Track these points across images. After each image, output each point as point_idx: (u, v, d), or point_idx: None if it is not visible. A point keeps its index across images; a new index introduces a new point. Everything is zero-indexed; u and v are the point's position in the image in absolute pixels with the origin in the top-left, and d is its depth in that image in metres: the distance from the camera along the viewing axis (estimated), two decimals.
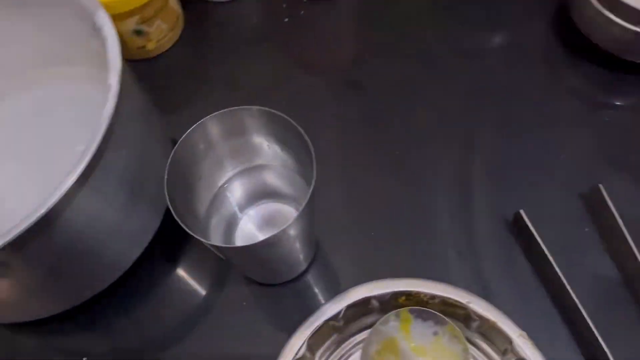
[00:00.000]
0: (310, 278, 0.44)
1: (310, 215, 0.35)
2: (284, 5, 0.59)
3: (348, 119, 0.51)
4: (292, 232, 0.33)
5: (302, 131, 0.34)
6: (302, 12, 0.58)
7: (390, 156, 0.49)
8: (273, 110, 0.35)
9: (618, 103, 0.49)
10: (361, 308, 0.40)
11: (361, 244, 0.45)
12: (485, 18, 0.55)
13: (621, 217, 0.41)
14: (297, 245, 0.38)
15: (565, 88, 0.50)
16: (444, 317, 0.37)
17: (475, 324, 0.39)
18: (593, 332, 0.38)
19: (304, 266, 0.43)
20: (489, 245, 0.44)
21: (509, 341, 0.37)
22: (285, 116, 0.35)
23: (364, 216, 0.46)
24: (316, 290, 0.44)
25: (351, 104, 0.52)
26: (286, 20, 0.58)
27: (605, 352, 0.37)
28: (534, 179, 0.46)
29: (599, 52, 0.50)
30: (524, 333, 0.37)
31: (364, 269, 0.43)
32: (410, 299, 0.40)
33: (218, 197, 0.42)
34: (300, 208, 0.32)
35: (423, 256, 0.44)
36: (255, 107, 0.36)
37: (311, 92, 0.53)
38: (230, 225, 0.43)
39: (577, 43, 0.51)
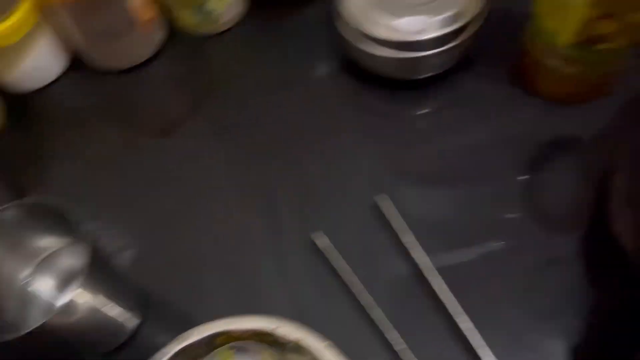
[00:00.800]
0: (142, 339, 0.46)
1: (99, 285, 0.37)
2: (93, 84, 0.63)
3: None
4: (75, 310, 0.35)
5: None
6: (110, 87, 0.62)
7: (195, 204, 0.53)
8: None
9: (393, 120, 0.56)
10: (187, 358, 0.42)
11: (185, 289, 0.48)
12: (283, 56, 0.62)
13: (405, 219, 0.47)
14: (102, 314, 0.39)
15: (352, 110, 0.56)
16: (260, 345, 0.40)
17: (289, 345, 0.42)
18: (390, 326, 0.43)
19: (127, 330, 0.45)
20: (299, 268, 0.48)
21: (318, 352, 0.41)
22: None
23: (184, 262, 0.50)
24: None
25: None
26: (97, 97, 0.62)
27: (403, 344, 0.42)
28: (331, 197, 0.51)
29: (375, 76, 0.56)
30: (329, 343, 0.41)
31: (192, 315, 0.46)
32: (230, 336, 0.42)
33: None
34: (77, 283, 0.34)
35: (247, 289, 0.48)
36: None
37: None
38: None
39: (359, 71, 0.58)
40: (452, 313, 0.43)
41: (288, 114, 0.58)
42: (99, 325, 0.41)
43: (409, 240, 0.46)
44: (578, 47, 0.46)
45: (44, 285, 0.45)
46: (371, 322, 0.44)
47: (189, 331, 0.41)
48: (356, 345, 0.41)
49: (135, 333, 0.46)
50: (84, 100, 0.64)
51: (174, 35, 0.66)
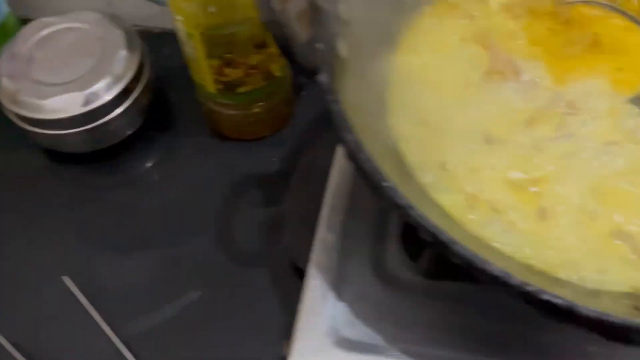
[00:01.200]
0: None
1: None
2: None
3: None
4: None
5: None
6: None
7: None
8: None
9: (86, 193, 0.56)
10: None
11: None
12: None
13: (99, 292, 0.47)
14: None
15: (45, 189, 0.56)
16: None
17: None
18: None
19: None
20: None
21: None
22: None
23: None
24: None
25: None
26: None
27: None
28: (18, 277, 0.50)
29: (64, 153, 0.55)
30: None
31: None
32: None
33: None
34: None
35: None
36: None
37: None
38: None
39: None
40: None
41: None
42: None
43: (98, 316, 0.46)
44: (223, 93, 0.49)
45: None
46: None
47: None
48: None
49: None
50: None
51: None
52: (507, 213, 0.31)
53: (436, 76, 0.36)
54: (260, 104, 0.51)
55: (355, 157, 0.26)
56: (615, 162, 0.33)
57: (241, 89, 0.48)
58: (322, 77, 0.28)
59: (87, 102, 0.50)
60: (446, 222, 0.30)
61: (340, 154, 0.42)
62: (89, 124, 0.51)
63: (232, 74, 0.47)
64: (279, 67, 0.49)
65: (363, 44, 0.32)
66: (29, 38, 0.53)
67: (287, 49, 0.27)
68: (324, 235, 0.38)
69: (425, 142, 0.33)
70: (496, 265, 0.23)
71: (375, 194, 0.26)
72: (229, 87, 0.48)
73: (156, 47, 0.59)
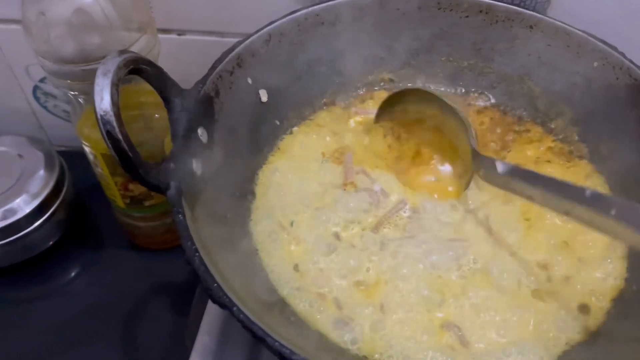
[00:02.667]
0: None
1: None
2: None
3: None
4: None
5: None
6: None
7: None
8: None
9: None
10: None
11: None
12: None
13: None
14: None
15: None
16: None
17: None
18: None
19: None
20: None
21: None
22: None
23: None
24: None
25: None
26: None
27: None
28: None
29: None
30: None
31: None
32: None
33: None
34: None
35: None
36: None
37: None
38: None
39: None
40: None
41: None
42: None
43: None
44: (131, 207, 0.53)
45: None
46: None
47: None
48: None
49: None
50: None
51: None
52: (350, 309, 0.34)
53: (298, 186, 0.40)
54: (169, 214, 0.55)
55: (190, 261, 0.30)
56: (454, 256, 0.37)
57: (148, 203, 0.52)
58: (170, 194, 0.32)
59: (3, 218, 0.53)
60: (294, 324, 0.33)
61: None
62: (6, 238, 0.54)
63: (136, 189, 0.51)
64: None
65: (224, 163, 0.37)
66: None
67: (133, 171, 0.31)
68: (203, 339, 0.40)
69: (282, 246, 0.37)
70: (301, 355, 0.26)
71: (208, 296, 0.29)
72: (135, 202, 0.52)
73: (82, 164, 0.64)
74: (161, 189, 0.32)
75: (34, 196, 0.55)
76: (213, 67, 0.39)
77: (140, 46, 0.43)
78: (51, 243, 0.58)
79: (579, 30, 0.42)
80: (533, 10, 0.44)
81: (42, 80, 0.61)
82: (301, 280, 0.35)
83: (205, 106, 0.37)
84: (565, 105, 0.43)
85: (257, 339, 0.27)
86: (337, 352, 0.32)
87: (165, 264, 0.59)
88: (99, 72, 0.30)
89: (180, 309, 0.55)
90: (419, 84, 0.47)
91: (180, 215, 0.31)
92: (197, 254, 0.30)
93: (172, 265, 0.59)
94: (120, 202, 0.53)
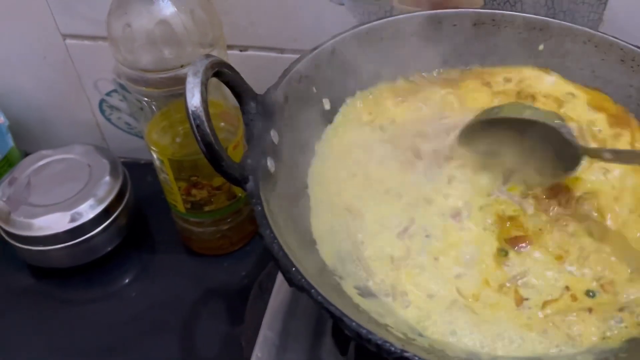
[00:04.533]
0: None
1: None
2: None
3: None
4: None
5: None
6: None
7: None
8: None
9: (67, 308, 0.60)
10: None
11: None
12: None
13: None
14: None
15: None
16: None
17: None
18: None
19: None
20: None
21: None
22: None
23: None
24: None
25: None
26: None
27: None
28: None
29: (50, 269, 0.61)
30: None
31: None
32: None
33: None
34: None
35: None
36: None
37: None
38: None
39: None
40: None
41: None
42: None
43: None
44: (191, 212, 0.56)
45: None
46: None
47: None
48: None
49: None
50: None
51: None
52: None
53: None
54: (226, 221, 0.58)
55: (269, 248, 0.32)
56: None
57: (207, 208, 0.55)
58: (249, 186, 0.34)
59: (71, 220, 0.56)
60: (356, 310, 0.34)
61: None
62: (72, 240, 0.57)
63: (198, 194, 0.54)
64: (241, 189, 0.56)
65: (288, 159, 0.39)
66: (27, 167, 0.61)
67: (218, 163, 0.33)
68: (265, 333, 0.42)
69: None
70: (376, 335, 0.28)
71: (286, 279, 0.31)
72: (196, 207, 0.55)
73: (141, 175, 0.68)
74: (240, 182, 0.34)
75: (100, 201, 0.58)
76: (284, 75, 0.42)
77: None
78: (112, 247, 0.61)
79: (632, 45, 0.44)
80: (585, 27, 0.46)
81: (108, 93, 0.65)
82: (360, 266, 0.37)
83: (276, 110, 0.40)
84: None
85: (335, 318, 0.29)
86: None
87: (220, 270, 0.61)
88: (190, 72, 0.33)
89: (234, 313, 0.57)
90: None
91: (259, 206, 0.33)
92: (275, 240, 0.32)
93: (226, 271, 0.61)
94: (181, 207, 0.55)
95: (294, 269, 0.31)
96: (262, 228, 0.33)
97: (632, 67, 0.44)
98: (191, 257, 0.62)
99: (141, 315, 0.58)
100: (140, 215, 0.65)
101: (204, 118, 0.32)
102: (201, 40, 0.45)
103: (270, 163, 0.37)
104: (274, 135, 0.39)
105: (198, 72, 0.33)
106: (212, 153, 0.33)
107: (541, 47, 0.47)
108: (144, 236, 0.65)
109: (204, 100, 0.33)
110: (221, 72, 0.36)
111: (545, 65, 0.48)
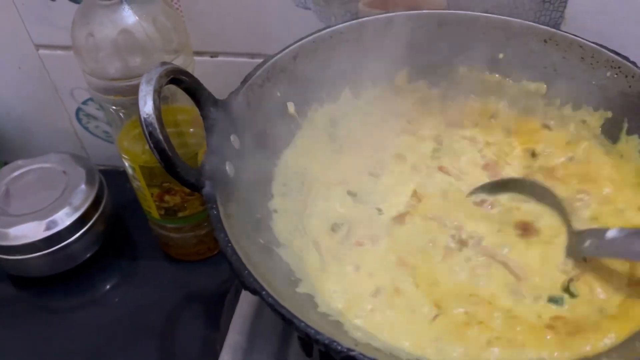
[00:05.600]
0: None
1: None
2: None
3: None
4: None
5: None
6: None
7: None
8: None
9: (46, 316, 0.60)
10: None
11: None
12: None
13: None
14: None
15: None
16: None
17: None
18: None
19: None
20: None
21: None
22: None
23: None
24: None
25: None
26: None
27: None
28: None
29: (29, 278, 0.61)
30: None
31: None
32: None
33: None
34: None
35: None
36: None
37: None
38: None
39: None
40: None
41: None
42: None
43: None
44: (166, 218, 0.56)
45: None
46: None
47: None
48: None
49: None
50: None
51: None
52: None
53: None
54: (202, 226, 0.58)
55: (224, 251, 0.32)
56: None
57: (181, 214, 0.55)
58: (205, 191, 0.35)
59: (46, 229, 0.57)
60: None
61: None
62: (49, 248, 0.57)
63: (171, 200, 0.54)
64: None
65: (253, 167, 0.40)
66: (4, 177, 0.61)
67: (172, 169, 0.34)
68: (233, 337, 0.42)
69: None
70: (324, 335, 0.28)
71: (240, 282, 0.31)
72: (170, 213, 0.55)
73: (121, 182, 0.68)
74: (197, 187, 0.35)
75: (76, 209, 0.58)
76: (245, 80, 0.42)
77: (177, 64, 0.46)
78: (90, 254, 0.61)
79: (591, 42, 0.44)
80: (547, 26, 0.46)
81: (85, 102, 0.65)
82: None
83: (237, 115, 0.40)
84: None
85: (285, 321, 0.29)
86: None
87: (198, 275, 0.61)
88: (143, 80, 0.33)
89: (212, 317, 0.57)
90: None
91: (214, 211, 0.34)
92: (229, 244, 0.32)
93: (204, 276, 0.61)
94: (155, 214, 0.56)
95: (246, 272, 0.31)
96: (217, 232, 0.33)
97: (591, 64, 0.44)
98: (170, 263, 0.63)
99: (122, 322, 0.59)
100: (120, 222, 0.66)
101: (156, 125, 0.33)
102: (166, 47, 0.45)
103: (229, 168, 0.38)
104: (234, 140, 0.39)
105: (151, 80, 0.34)
106: (166, 160, 0.33)
107: (501, 55, 0.48)
108: (123, 243, 0.65)
109: (157, 108, 0.33)
110: (178, 79, 0.37)
111: (509, 63, 0.48)
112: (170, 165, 0.33)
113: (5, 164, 0.65)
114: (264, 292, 0.30)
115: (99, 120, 0.67)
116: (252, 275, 0.31)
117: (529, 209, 0.42)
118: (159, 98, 0.33)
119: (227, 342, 0.42)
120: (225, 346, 0.41)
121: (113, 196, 0.64)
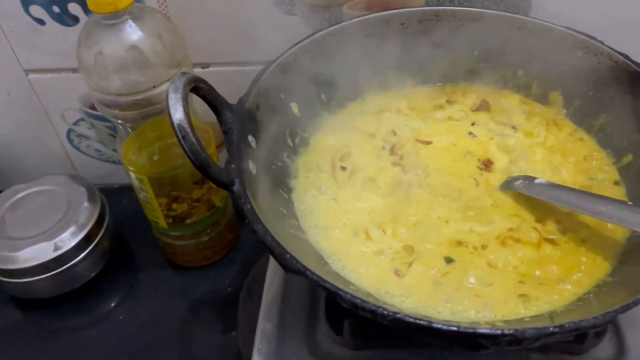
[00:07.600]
0: None
1: None
2: None
3: None
4: None
5: None
6: None
7: None
8: None
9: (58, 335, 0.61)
10: None
11: None
12: None
13: None
14: None
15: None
16: None
17: None
18: None
19: None
20: None
21: None
22: None
23: None
24: None
25: None
26: None
27: None
28: None
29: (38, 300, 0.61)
30: None
31: None
32: None
33: None
34: None
35: None
36: None
37: None
38: None
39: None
40: None
41: None
42: None
43: None
44: (173, 226, 0.58)
45: None
46: None
47: None
48: None
49: None
50: None
51: None
52: None
53: None
54: (207, 232, 0.60)
55: (263, 240, 0.34)
56: None
57: (189, 221, 0.57)
58: (236, 188, 0.37)
59: (55, 249, 0.57)
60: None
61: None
62: (58, 268, 0.58)
63: (179, 208, 0.56)
64: (219, 198, 0.58)
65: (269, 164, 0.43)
66: (3, 203, 0.61)
67: (205, 170, 0.36)
68: (263, 325, 0.44)
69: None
70: (370, 303, 0.31)
71: (282, 266, 0.34)
72: (178, 220, 0.57)
73: (117, 199, 0.69)
74: (228, 185, 0.37)
75: (81, 227, 0.59)
76: (252, 85, 0.45)
77: None
78: (97, 272, 0.62)
79: (560, 26, 0.49)
80: (517, 14, 0.51)
81: (76, 123, 0.66)
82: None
83: (250, 117, 0.43)
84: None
85: (331, 294, 0.32)
86: None
87: (206, 280, 0.63)
88: (170, 89, 0.36)
89: (225, 320, 0.60)
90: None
91: (248, 205, 0.36)
92: (268, 232, 0.35)
93: (211, 281, 0.63)
94: (163, 223, 0.57)
95: (288, 255, 0.33)
96: (254, 224, 0.35)
97: (562, 46, 0.49)
98: (176, 272, 0.64)
99: (134, 336, 0.60)
100: (121, 238, 0.67)
101: (188, 129, 0.35)
102: (170, 61, 0.48)
103: (251, 166, 0.40)
104: (251, 140, 0.42)
105: (178, 89, 0.36)
106: (200, 161, 0.36)
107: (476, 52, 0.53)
108: (127, 258, 0.66)
109: (187, 114, 0.35)
110: (197, 87, 0.39)
111: (488, 54, 0.53)
112: (203, 166, 0.36)
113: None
114: (307, 272, 0.33)
115: (90, 140, 0.68)
116: (294, 258, 0.33)
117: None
118: (187, 104, 0.36)
119: (259, 332, 0.44)
120: (257, 336, 0.44)
121: (111, 213, 0.65)
